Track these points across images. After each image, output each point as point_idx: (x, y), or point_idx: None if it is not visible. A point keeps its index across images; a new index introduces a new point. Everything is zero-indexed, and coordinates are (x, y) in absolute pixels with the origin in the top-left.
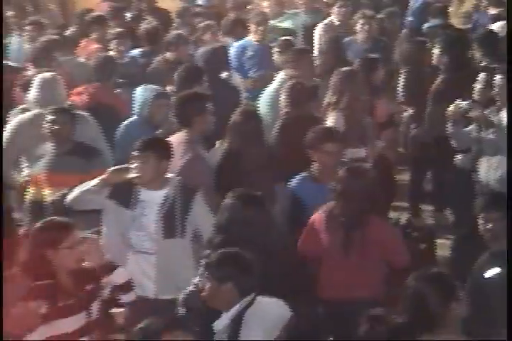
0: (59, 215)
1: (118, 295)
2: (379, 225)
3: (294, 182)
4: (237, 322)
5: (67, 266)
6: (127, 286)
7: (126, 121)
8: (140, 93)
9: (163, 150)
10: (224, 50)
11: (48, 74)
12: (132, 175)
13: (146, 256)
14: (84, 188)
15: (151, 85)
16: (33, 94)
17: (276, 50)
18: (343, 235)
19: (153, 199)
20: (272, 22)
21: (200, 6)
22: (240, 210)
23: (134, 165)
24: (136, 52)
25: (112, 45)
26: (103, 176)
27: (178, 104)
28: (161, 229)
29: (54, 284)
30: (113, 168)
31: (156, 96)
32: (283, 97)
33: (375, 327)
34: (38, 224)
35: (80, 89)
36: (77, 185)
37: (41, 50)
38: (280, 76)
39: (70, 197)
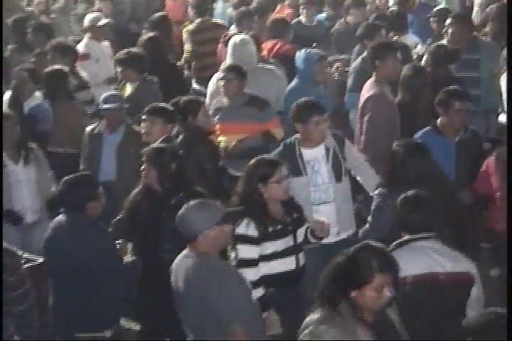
0: (231, 159)
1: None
2: None
3: (419, 135)
4: (395, 247)
5: (275, 198)
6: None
7: (292, 83)
8: (303, 56)
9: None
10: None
11: (240, 36)
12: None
13: (327, 205)
14: None
15: (312, 49)
16: (228, 53)
17: (432, 19)
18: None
19: (317, 154)
20: None
21: None
22: (406, 156)
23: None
24: (322, 16)
25: (301, 10)
26: None
27: (370, 50)
28: (333, 177)
29: (262, 211)
30: None
31: (318, 59)
32: (425, 58)
33: None
34: (252, 162)
35: (263, 45)
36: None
37: (243, 13)
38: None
39: None
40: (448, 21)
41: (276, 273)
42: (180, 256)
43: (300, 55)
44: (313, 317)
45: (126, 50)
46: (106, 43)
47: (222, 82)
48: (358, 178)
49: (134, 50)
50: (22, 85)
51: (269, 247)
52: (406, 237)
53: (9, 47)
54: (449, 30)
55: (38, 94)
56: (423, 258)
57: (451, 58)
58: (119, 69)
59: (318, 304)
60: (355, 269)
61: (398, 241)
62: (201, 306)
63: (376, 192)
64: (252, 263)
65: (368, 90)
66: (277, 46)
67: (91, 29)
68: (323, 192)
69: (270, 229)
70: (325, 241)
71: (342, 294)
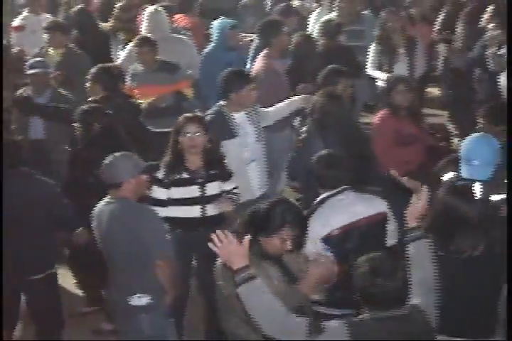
0: (150, 117)
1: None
2: None
3: None
4: (316, 206)
5: (186, 148)
6: None
7: (207, 48)
8: (218, 25)
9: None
10: None
11: (152, 7)
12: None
13: (253, 163)
14: None
15: (226, 19)
16: (144, 22)
17: None
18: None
19: (243, 117)
20: None
21: None
22: (326, 104)
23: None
24: None
25: None
26: None
27: (258, 28)
28: (256, 137)
29: (174, 159)
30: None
31: (231, 28)
32: (316, 31)
33: None
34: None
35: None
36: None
37: None
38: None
39: None
40: None
41: (176, 216)
42: (102, 203)
43: (215, 23)
44: None
45: (53, 19)
46: (46, 15)
47: (136, 50)
48: (288, 112)
49: (59, 19)
50: None
51: (174, 193)
52: (324, 195)
53: None
54: (340, 5)
55: None
56: (343, 211)
57: (337, 30)
58: (48, 36)
59: None
60: (268, 219)
61: (318, 200)
62: (131, 243)
63: (302, 129)
64: (159, 202)
65: (257, 63)
66: (180, 19)
67: (29, 2)
68: (251, 152)
69: (177, 177)
70: (250, 197)
71: (253, 237)
